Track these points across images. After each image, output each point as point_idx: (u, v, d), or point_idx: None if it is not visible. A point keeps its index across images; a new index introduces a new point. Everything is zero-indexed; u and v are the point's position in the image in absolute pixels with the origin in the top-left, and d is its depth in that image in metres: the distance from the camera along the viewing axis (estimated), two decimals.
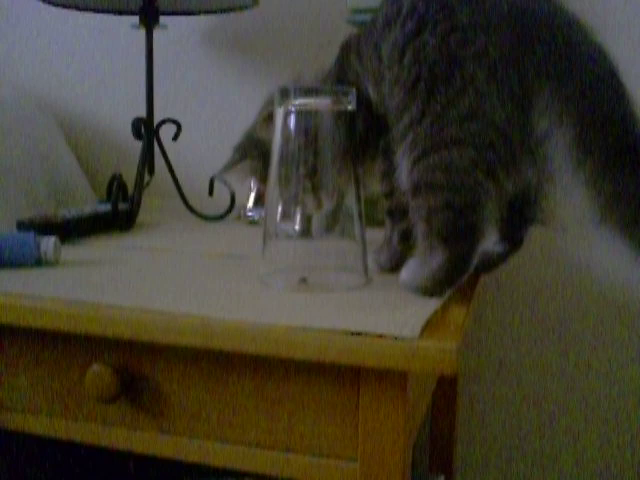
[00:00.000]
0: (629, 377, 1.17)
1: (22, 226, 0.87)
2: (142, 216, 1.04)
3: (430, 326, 0.57)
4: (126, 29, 1.08)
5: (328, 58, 1.18)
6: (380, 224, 0.77)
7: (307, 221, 0.71)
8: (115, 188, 0.99)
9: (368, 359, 0.55)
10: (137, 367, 0.65)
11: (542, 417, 1.23)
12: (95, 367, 0.64)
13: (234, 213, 1.07)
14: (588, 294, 1.17)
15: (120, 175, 1.02)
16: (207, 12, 1.17)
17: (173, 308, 0.61)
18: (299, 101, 0.67)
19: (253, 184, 1.04)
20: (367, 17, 1.02)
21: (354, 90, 0.68)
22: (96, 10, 1.17)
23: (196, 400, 0.64)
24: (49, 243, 0.74)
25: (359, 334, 0.55)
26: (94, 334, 0.62)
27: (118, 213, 0.98)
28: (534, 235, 1.17)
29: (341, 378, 0.59)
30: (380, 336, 0.54)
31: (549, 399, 1.22)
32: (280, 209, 0.69)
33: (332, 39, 1.18)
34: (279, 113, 0.68)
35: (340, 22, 1.06)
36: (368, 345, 0.54)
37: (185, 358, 0.63)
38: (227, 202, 1.05)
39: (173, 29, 1.12)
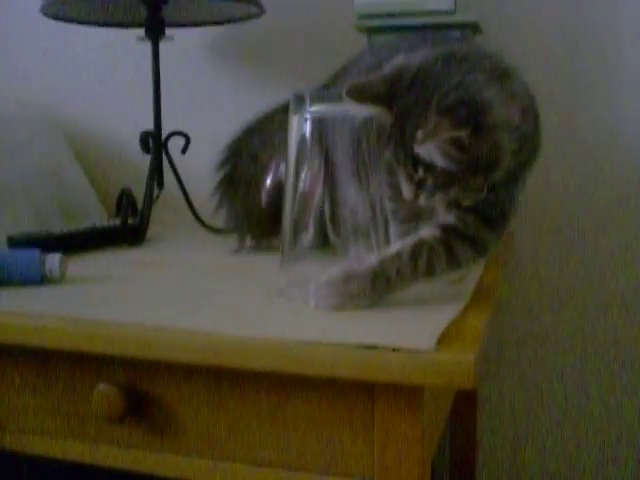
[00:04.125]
0: None
1: (12, 242, 0.87)
2: (152, 230, 1.03)
3: (446, 337, 0.54)
4: (133, 42, 1.07)
5: (336, 65, 1.16)
6: None
7: (323, 232, 0.69)
8: (124, 203, 0.98)
9: (382, 374, 0.52)
10: (145, 386, 0.63)
11: (566, 431, 1.19)
12: (102, 386, 0.62)
13: None
14: (612, 297, 1.14)
15: (129, 190, 1.00)
16: (213, 23, 1.16)
17: (179, 324, 0.59)
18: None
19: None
20: (374, 22, 1.01)
21: None
22: (102, 24, 1.17)
23: (205, 419, 0.62)
24: (54, 260, 0.73)
25: (373, 348, 0.52)
26: (99, 352, 0.60)
27: (127, 228, 0.97)
28: (550, 241, 1.14)
29: (355, 394, 0.57)
30: (394, 349, 0.52)
31: (573, 410, 1.18)
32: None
33: (340, 46, 1.17)
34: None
35: (347, 29, 1.05)
36: (382, 359, 0.52)
37: (193, 376, 0.61)
38: None
39: (180, 41, 1.11)
